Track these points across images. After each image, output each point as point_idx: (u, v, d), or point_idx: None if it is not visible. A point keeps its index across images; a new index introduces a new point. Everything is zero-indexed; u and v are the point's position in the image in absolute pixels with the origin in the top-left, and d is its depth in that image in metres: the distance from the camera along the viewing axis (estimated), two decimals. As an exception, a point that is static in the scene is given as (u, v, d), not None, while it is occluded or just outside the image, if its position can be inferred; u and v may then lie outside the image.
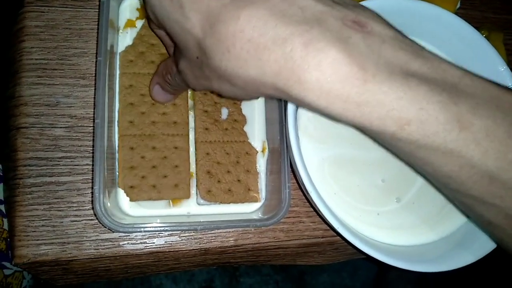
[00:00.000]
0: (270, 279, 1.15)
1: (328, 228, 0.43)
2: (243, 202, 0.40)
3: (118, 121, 0.39)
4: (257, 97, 0.28)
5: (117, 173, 0.38)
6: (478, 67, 0.31)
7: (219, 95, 0.41)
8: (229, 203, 0.40)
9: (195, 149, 0.40)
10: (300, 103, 0.26)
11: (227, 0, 0.25)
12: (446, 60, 0.26)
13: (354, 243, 0.33)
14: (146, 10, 0.30)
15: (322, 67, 0.23)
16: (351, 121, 0.25)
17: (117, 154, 0.38)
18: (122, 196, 0.38)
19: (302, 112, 0.38)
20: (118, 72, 0.40)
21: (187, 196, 0.39)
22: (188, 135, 0.40)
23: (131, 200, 0.38)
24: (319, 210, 0.33)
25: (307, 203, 0.43)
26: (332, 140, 0.39)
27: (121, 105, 0.39)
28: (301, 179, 0.33)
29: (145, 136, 0.39)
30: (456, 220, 0.39)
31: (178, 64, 0.31)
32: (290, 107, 0.34)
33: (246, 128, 0.42)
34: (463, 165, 0.25)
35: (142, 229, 0.35)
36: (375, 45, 0.24)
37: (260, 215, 0.40)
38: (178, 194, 0.39)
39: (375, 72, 0.23)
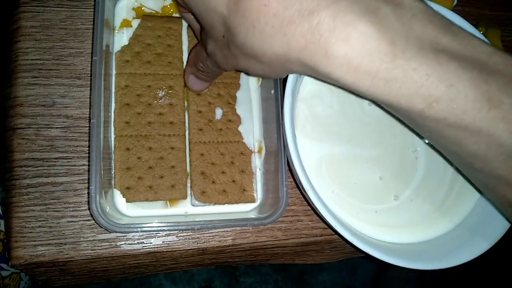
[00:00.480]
0: (270, 278, 1.15)
1: (326, 226, 0.42)
2: (238, 203, 0.40)
3: (114, 122, 0.39)
4: (284, 75, 0.28)
5: (113, 174, 0.38)
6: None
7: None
8: (224, 204, 0.40)
9: (189, 150, 0.40)
10: (326, 78, 0.25)
11: None
12: (475, 35, 0.25)
13: (352, 242, 0.33)
14: None
15: (350, 41, 0.23)
16: (378, 98, 0.25)
17: (113, 155, 0.38)
18: (118, 197, 0.37)
19: (299, 110, 0.38)
20: (114, 72, 0.40)
21: (184, 196, 0.39)
22: (184, 135, 0.40)
23: (127, 201, 0.37)
24: (317, 209, 0.33)
25: (305, 202, 0.43)
26: (329, 138, 0.39)
27: (117, 106, 0.39)
28: (298, 178, 0.33)
29: (141, 136, 0.39)
30: (454, 218, 0.39)
31: (206, 47, 0.30)
32: (287, 106, 0.34)
33: (241, 128, 0.42)
34: (491, 144, 0.24)
35: (139, 229, 0.34)
36: (405, 18, 0.24)
37: (257, 215, 0.40)
38: (174, 194, 0.38)
39: (405, 47, 0.23)
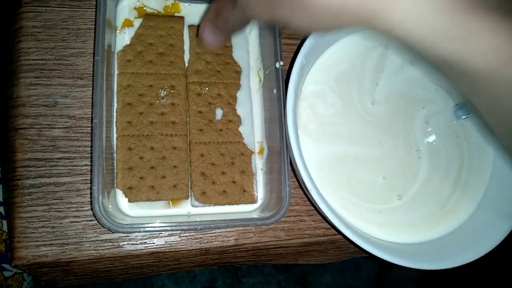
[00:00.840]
0: (273, 279, 1.15)
1: (330, 226, 0.42)
2: (238, 204, 0.40)
3: (116, 122, 0.38)
4: (327, 31, 0.26)
5: (116, 174, 0.37)
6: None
7: None
8: (224, 204, 0.39)
9: (190, 150, 0.40)
10: (385, 33, 0.23)
11: None
12: None
13: (355, 241, 0.33)
14: None
15: None
16: (442, 56, 0.23)
17: (115, 155, 0.38)
18: (121, 197, 0.37)
19: (302, 110, 0.38)
20: (116, 72, 0.40)
21: (186, 196, 0.39)
22: (186, 135, 0.40)
23: (129, 201, 0.37)
24: (320, 208, 0.33)
25: (308, 202, 0.43)
26: (332, 138, 0.39)
27: (119, 105, 0.39)
28: (301, 177, 0.33)
29: (143, 136, 0.39)
30: (458, 217, 0.39)
31: None
32: (290, 105, 0.34)
33: (241, 129, 0.42)
34: None
35: (141, 229, 0.34)
36: None
37: (260, 215, 0.40)
38: (176, 194, 0.38)
39: (475, 3, 0.21)
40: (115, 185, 0.37)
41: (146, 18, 0.42)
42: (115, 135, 0.38)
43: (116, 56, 0.40)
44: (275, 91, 0.39)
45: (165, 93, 0.40)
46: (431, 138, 0.41)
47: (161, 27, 0.42)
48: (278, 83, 0.39)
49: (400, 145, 0.40)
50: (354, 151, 0.39)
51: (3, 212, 0.44)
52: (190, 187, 0.39)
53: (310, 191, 0.33)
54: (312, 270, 1.18)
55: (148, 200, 0.38)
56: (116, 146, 0.38)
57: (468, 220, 0.38)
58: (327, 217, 0.33)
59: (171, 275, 1.06)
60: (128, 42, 0.41)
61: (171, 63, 0.41)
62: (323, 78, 0.39)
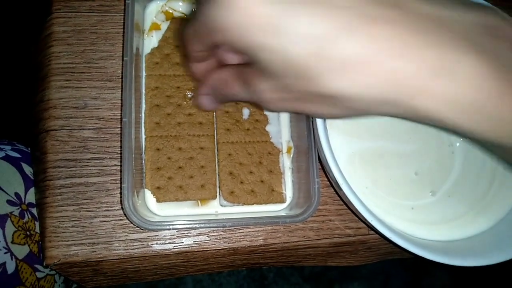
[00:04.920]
0: (299, 288, 1.13)
1: (360, 226, 0.41)
2: (266, 203, 0.40)
3: (144, 123, 0.39)
4: (362, 116, 0.26)
5: (144, 174, 0.38)
6: None
7: None
8: (253, 204, 0.39)
9: (217, 150, 0.40)
10: (426, 119, 0.24)
11: (339, 22, 0.22)
12: None
13: (389, 237, 0.32)
14: (211, 32, 0.25)
15: (458, 80, 0.21)
16: (485, 138, 0.23)
17: (144, 155, 0.38)
18: (150, 197, 0.38)
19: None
20: (144, 74, 0.40)
21: (214, 196, 0.38)
22: (213, 135, 0.40)
23: (158, 201, 0.37)
24: (351, 203, 0.32)
25: (337, 201, 0.42)
26: (362, 133, 0.38)
27: (147, 107, 0.39)
28: (332, 173, 0.33)
29: (171, 137, 0.39)
30: (495, 214, 0.37)
31: (254, 85, 0.27)
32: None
33: (268, 128, 0.42)
34: None
35: (170, 227, 0.34)
36: (509, 51, 0.22)
37: (288, 213, 0.39)
38: (204, 194, 0.38)
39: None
40: (144, 185, 0.37)
41: (174, 22, 0.42)
42: (143, 136, 0.39)
43: (144, 59, 0.41)
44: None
45: (192, 94, 0.40)
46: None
47: None
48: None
49: (433, 140, 0.39)
50: (384, 147, 0.38)
51: (36, 214, 0.44)
52: (218, 187, 0.39)
53: (341, 186, 0.32)
54: (340, 278, 1.16)
55: (176, 200, 0.38)
56: (145, 147, 0.38)
57: (507, 215, 0.36)
58: (358, 213, 0.32)
59: (197, 283, 1.06)
60: (156, 45, 0.41)
61: None
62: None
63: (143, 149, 0.38)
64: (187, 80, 0.41)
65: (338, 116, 0.27)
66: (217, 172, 0.39)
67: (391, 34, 0.22)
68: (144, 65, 0.40)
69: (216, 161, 0.40)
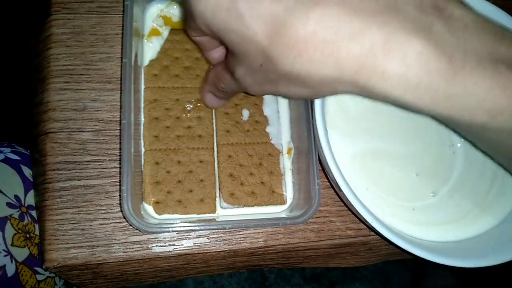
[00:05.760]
0: (301, 289, 1.13)
1: (360, 228, 0.41)
2: (267, 205, 0.39)
3: (143, 136, 0.39)
4: (330, 95, 0.28)
5: (143, 188, 0.37)
6: None
7: (247, 94, 0.41)
8: (253, 205, 0.39)
9: (217, 152, 0.40)
10: (382, 99, 0.25)
11: (291, 2, 0.23)
12: None
13: (389, 238, 0.31)
14: (192, 20, 0.28)
15: (408, 61, 0.22)
16: (438, 114, 0.24)
17: (143, 169, 0.38)
18: (148, 207, 0.37)
19: (329, 106, 0.38)
20: (143, 86, 0.40)
21: (213, 211, 0.38)
22: (213, 148, 0.40)
23: (157, 214, 0.37)
24: (351, 205, 0.32)
25: (337, 202, 0.42)
26: (362, 134, 0.38)
27: (146, 120, 0.39)
28: (332, 174, 0.32)
29: (170, 150, 0.39)
30: (498, 213, 0.37)
31: (234, 71, 0.30)
32: (317, 102, 0.34)
33: (268, 129, 0.41)
34: None
35: (170, 229, 0.34)
36: (459, 31, 0.23)
37: (289, 215, 0.39)
38: (203, 209, 0.38)
39: (464, 62, 0.23)
40: (143, 199, 0.37)
41: (173, 33, 0.42)
42: (142, 150, 0.38)
43: (143, 71, 0.40)
44: (301, 89, 0.38)
45: (191, 106, 0.40)
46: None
47: (187, 41, 0.42)
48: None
49: (433, 141, 0.38)
50: (385, 148, 0.38)
51: (35, 216, 0.44)
52: (218, 188, 0.39)
53: (341, 187, 0.32)
54: (341, 280, 1.16)
55: (175, 214, 0.37)
56: (144, 160, 0.38)
57: (509, 215, 0.36)
58: (359, 214, 0.32)
59: (199, 284, 1.06)
60: (155, 51, 0.41)
61: (197, 77, 0.41)
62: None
63: (142, 163, 0.38)
64: (186, 92, 0.40)
65: (307, 96, 0.28)
66: (217, 186, 0.39)
67: (343, 14, 0.23)
68: (143, 77, 0.40)
69: (216, 175, 0.39)
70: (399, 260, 0.51)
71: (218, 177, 0.39)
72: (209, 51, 0.35)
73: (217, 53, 0.35)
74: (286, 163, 0.41)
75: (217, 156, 0.40)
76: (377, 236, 0.41)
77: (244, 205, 0.39)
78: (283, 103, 0.43)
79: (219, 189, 0.39)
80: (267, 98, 0.42)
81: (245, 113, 0.41)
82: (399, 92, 0.23)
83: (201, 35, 0.32)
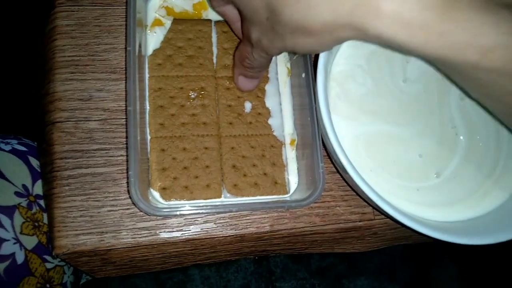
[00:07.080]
0: (307, 283, 1.13)
1: (365, 212, 0.41)
2: (270, 195, 0.40)
3: (149, 124, 0.39)
4: (333, 46, 0.28)
5: (150, 175, 0.38)
6: None
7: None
8: (256, 196, 0.39)
9: (220, 143, 0.40)
10: (377, 39, 0.25)
11: None
12: None
13: (395, 216, 0.32)
14: None
15: (404, 1, 0.23)
16: (431, 55, 0.25)
17: (149, 156, 0.38)
18: (155, 193, 0.38)
19: (332, 90, 0.38)
20: (147, 75, 0.40)
21: (219, 195, 0.39)
22: (218, 135, 0.40)
23: (164, 200, 0.38)
24: (357, 186, 0.32)
25: (342, 187, 0.42)
26: (365, 117, 0.38)
27: (151, 108, 0.39)
28: (336, 155, 0.33)
29: (175, 137, 0.39)
30: (501, 193, 0.37)
31: (250, 36, 0.31)
32: (320, 82, 0.34)
33: (271, 121, 0.42)
34: None
35: (178, 212, 0.34)
36: None
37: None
38: (210, 194, 0.38)
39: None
40: (150, 185, 0.38)
41: (175, 22, 0.43)
42: (148, 137, 0.39)
43: (147, 60, 0.41)
44: (303, 75, 0.39)
45: (195, 94, 0.41)
46: (467, 114, 0.39)
47: (189, 30, 0.42)
48: (307, 66, 0.39)
49: (435, 122, 0.39)
50: (388, 130, 0.38)
51: (43, 206, 0.45)
52: (222, 180, 0.39)
53: (346, 167, 0.32)
54: (347, 273, 1.16)
55: (182, 200, 0.38)
56: (150, 148, 0.38)
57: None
58: (364, 195, 0.33)
59: (205, 279, 1.06)
60: (159, 41, 0.42)
61: (200, 65, 0.42)
62: (353, 57, 0.39)
63: (149, 150, 0.38)
64: (190, 81, 0.41)
65: (313, 47, 0.29)
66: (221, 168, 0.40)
67: None
68: (147, 66, 0.41)
69: (221, 160, 0.40)
70: (404, 254, 0.51)
71: (222, 168, 0.39)
72: (235, 23, 0.38)
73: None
74: (289, 154, 0.42)
75: (220, 148, 0.40)
76: (381, 220, 0.42)
77: (247, 196, 0.39)
78: (286, 96, 0.43)
79: (222, 180, 0.39)
80: (269, 91, 0.43)
81: (248, 106, 0.42)
82: (392, 31, 0.24)
83: (222, 5, 0.35)
